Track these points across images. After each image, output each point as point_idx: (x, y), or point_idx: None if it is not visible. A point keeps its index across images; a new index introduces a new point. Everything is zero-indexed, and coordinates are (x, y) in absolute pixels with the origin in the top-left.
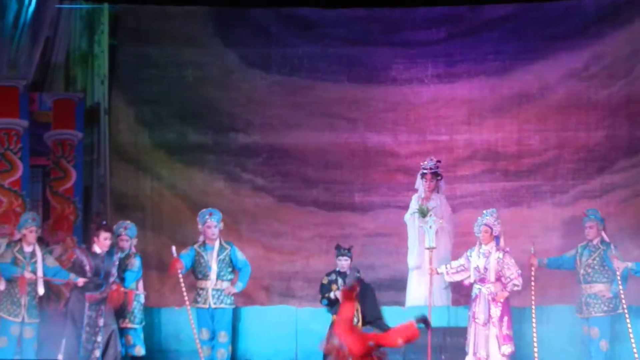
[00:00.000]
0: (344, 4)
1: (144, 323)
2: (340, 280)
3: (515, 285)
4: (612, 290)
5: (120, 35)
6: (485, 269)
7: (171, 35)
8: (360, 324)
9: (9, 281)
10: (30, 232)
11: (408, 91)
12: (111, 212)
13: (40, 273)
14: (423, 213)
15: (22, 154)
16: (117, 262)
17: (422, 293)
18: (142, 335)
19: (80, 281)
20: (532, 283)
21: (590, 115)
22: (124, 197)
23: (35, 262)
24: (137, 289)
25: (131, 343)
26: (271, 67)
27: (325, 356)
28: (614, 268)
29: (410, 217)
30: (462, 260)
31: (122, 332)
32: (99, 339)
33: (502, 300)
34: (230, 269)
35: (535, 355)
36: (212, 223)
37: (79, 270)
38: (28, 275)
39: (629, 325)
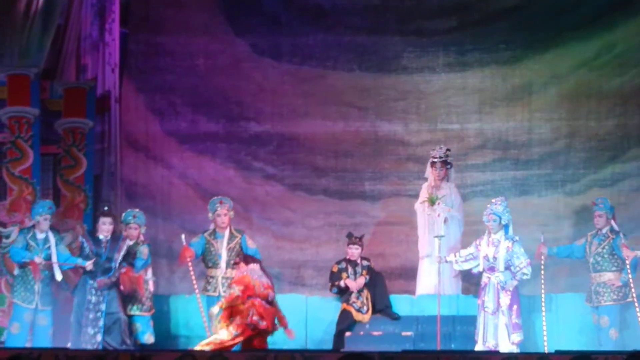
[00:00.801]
0: None
1: (153, 311)
2: (350, 269)
3: (524, 274)
4: (621, 279)
5: (131, 23)
6: (495, 258)
7: (182, 23)
8: (370, 312)
9: (22, 267)
10: (45, 219)
11: (419, 80)
12: (121, 201)
13: (54, 259)
14: (432, 201)
15: (32, 142)
16: (122, 249)
17: (432, 282)
18: (151, 323)
19: (88, 264)
20: (542, 272)
21: (601, 104)
22: (135, 185)
23: (49, 248)
24: (147, 277)
25: (140, 330)
26: (282, 56)
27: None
28: (623, 257)
29: (420, 206)
30: (471, 249)
31: (132, 319)
32: (101, 323)
33: (511, 289)
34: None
35: (545, 343)
36: (222, 211)
37: (85, 256)
38: (38, 260)
39: (639, 314)
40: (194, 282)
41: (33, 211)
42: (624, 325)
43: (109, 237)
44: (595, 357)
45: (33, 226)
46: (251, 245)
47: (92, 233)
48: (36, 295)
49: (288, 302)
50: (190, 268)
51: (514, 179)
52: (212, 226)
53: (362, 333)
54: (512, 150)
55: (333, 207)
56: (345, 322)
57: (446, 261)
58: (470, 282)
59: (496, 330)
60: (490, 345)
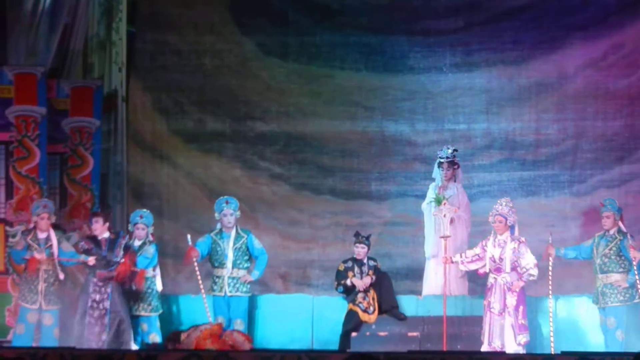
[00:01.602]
0: None
1: (160, 311)
2: (356, 268)
3: (531, 275)
4: (628, 280)
5: (138, 22)
6: (501, 258)
7: (189, 22)
8: (376, 313)
9: (24, 268)
10: (41, 219)
11: (426, 80)
12: (128, 200)
13: (56, 255)
14: (438, 202)
15: (39, 141)
16: (122, 244)
17: (438, 282)
18: (157, 323)
19: (91, 260)
20: (550, 273)
21: (609, 105)
22: (141, 184)
23: (50, 247)
24: (154, 277)
25: (146, 330)
26: (289, 55)
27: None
28: (630, 258)
29: (427, 206)
30: (477, 250)
31: (138, 319)
32: (106, 321)
33: (517, 289)
34: (246, 257)
35: (551, 344)
36: (228, 211)
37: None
38: (38, 256)
39: None
40: (200, 282)
41: (31, 212)
42: (630, 327)
43: (106, 237)
44: (602, 358)
45: (34, 227)
46: (257, 245)
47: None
48: (40, 295)
49: (294, 302)
50: (196, 268)
51: (520, 180)
52: (218, 226)
53: (368, 333)
54: (519, 150)
55: (339, 207)
56: (352, 322)
57: (452, 262)
58: (477, 283)
59: (502, 331)
60: (496, 346)
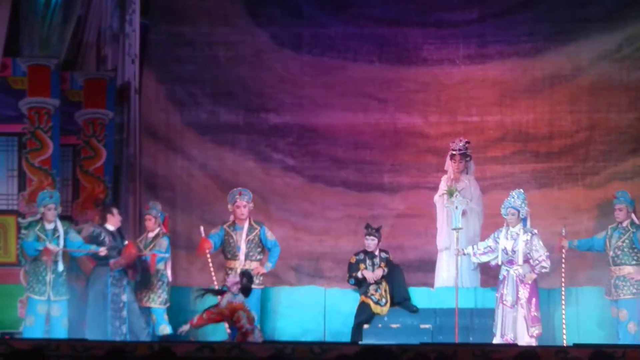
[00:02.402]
0: None
1: (169, 304)
2: (368, 260)
3: (543, 267)
4: None
5: (151, 14)
6: (514, 251)
7: (203, 14)
8: (388, 305)
9: (35, 259)
10: (48, 210)
11: (439, 72)
12: (141, 192)
13: (61, 246)
14: (450, 194)
15: (52, 133)
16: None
17: (450, 274)
18: (166, 316)
19: (102, 250)
20: (563, 265)
21: (622, 97)
22: (154, 176)
23: (58, 237)
24: (165, 269)
25: (155, 322)
26: (303, 47)
27: None
28: None
29: (440, 199)
30: (489, 242)
31: (148, 310)
32: (124, 314)
33: (530, 282)
34: (259, 249)
35: (564, 337)
36: (241, 203)
37: (98, 243)
38: (51, 246)
39: None
40: (213, 274)
41: (37, 203)
42: None
43: (115, 229)
44: (614, 350)
45: (41, 218)
46: (270, 237)
47: (103, 226)
48: (48, 286)
49: (306, 294)
50: (209, 260)
51: (533, 172)
52: (231, 218)
53: (380, 325)
54: (532, 142)
55: (352, 199)
56: (364, 314)
57: (464, 254)
58: (489, 275)
59: (515, 323)
60: (508, 338)
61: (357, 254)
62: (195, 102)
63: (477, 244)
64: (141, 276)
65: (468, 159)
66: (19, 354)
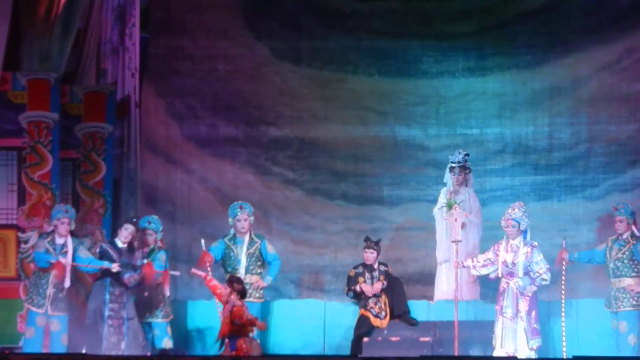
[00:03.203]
0: None
1: (171, 317)
2: (367, 273)
3: (543, 280)
4: None
5: (151, 27)
6: (514, 263)
7: (202, 28)
8: (388, 318)
9: (38, 272)
10: (62, 223)
11: (439, 84)
12: (141, 205)
13: (70, 262)
14: (449, 206)
15: (52, 147)
16: (138, 257)
17: (450, 287)
18: (168, 329)
19: (115, 266)
20: (563, 277)
21: (622, 109)
22: (154, 190)
23: (66, 253)
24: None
25: (158, 336)
26: (302, 60)
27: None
28: None
29: (439, 211)
30: (489, 254)
31: (150, 325)
32: (124, 330)
33: (530, 294)
34: (259, 263)
35: (564, 349)
36: (242, 216)
37: (112, 260)
38: (63, 260)
39: None
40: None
41: (50, 216)
42: None
43: (125, 246)
44: None
45: (52, 231)
46: (271, 250)
47: (111, 242)
48: (47, 300)
49: (306, 307)
50: (210, 273)
51: (533, 184)
52: (232, 231)
53: (380, 338)
54: (532, 155)
55: (352, 212)
56: (363, 327)
57: (464, 266)
58: (489, 288)
59: (515, 336)
60: (508, 350)
61: (356, 267)
62: (194, 115)
63: (477, 257)
64: (139, 293)
65: (467, 171)
66: None
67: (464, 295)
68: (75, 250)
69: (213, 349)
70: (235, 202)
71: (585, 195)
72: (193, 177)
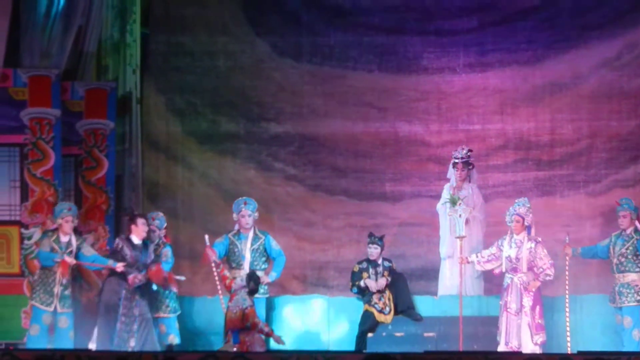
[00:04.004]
0: None
1: (178, 312)
2: (371, 269)
3: (547, 275)
4: None
5: (151, 24)
6: (517, 258)
7: (202, 24)
8: (392, 313)
9: (44, 270)
10: (66, 222)
11: (439, 80)
12: (143, 202)
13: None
14: (453, 202)
15: (54, 143)
16: (152, 254)
17: (454, 282)
18: (176, 325)
19: (120, 266)
20: (567, 272)
21: (623, 104)
22: (156, 186)
23: (71, 252)
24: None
25: (165, 332)
26: (302, 56)
27: None
28: None
29: (442, 207)
30: (493, 249)
31: (157, 321)
32: (135, 327)
33: (534, 289)
34: (264, 259)
35: (568, 344)
36: (246, 212)
37: (120, 259)
38: (68, 259)
39: None
40: (218, 283)
41: (54, 213)
42: None
43: (141, 242)
44: (618, 358)
45: (56, 229)
46: (275, 246)
47: (127, 238)
48: (55, 298)
49: (310, 303)
50: (214, 269)
51: (535, 180)
52: (236, 227)
53: (384, 334)
54: (534, 150)
55: (354, 208)
56: (368, 323)
57: (468, 262)
58: (493, 283)
59: (519, 331)
60: (512, 346)
61: (360, 263)
62: (195, 111)
63: (481, 252)
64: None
65: (470, 167)
66: None
67: (467, 291)
68: (79, 248)
69: (215, 345)
70: (240, 198)
71: (588, 190)
72: (194, 173)
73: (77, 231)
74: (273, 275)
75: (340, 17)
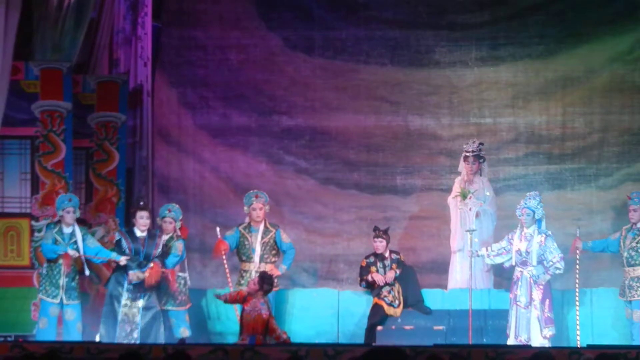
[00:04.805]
0: None
1: (189, 305)
2: (379, 263)
3: (557, 268)
4: None
5: (163, 17)
6: (527, 252)
7: (215, 17)
8: (401, 306)
9: (50, 262)
10: (67, 213)
11: (451, 74)
12: (154, 195)
13: (80, 251)
14: (464, 195)
15: (65, 136)
16: (159, 245)
17: (464, 276)
18: (187, 317)
19: (123, 259)
20: (577, 266)
21: (635, 98)
22: (167, 179)
23: (75, 242)
24: (181, 271)
25: (174, 324)
26: (314, 50)
27: None
28: None
29: (453, 200)
30: (503, 243)
31: (168, 314)
32: (138, 319)
33: (543, 283)
34: (274, 252)
35: (577, 338)
36: (257, 205)
37: (120, 252)
38: (71, 252)
39: None
40: (228, 275)
41: (56, 206)
42: None
43: (145, 234)
44: (628, 351)
45: (59, 221)
46: (286, 239)
47: (129, 231)
48: (61, 290)
49: (320, 296)
50: (225, 261)
51: (546, 173)
52: (247, 220)
53: (393, 327)
54: (545, 144)
55: (365, 202)
56: (377, 316)
57: (478, 255)
58: (502, 277)
59: (528, 325)
60: (522, 339)
61: (367, 257)
62: (207, 105)
63: (491, 246)
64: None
65: (482, 160)
66: (34, 357)
67: (477, 284)
68: (83, 240)
69: (226, 338)
70: (251, 191)
71: (599, 184)
72: (205, 167)
73: (84, 222)
74: (283, 268)
75: (352, 11)
